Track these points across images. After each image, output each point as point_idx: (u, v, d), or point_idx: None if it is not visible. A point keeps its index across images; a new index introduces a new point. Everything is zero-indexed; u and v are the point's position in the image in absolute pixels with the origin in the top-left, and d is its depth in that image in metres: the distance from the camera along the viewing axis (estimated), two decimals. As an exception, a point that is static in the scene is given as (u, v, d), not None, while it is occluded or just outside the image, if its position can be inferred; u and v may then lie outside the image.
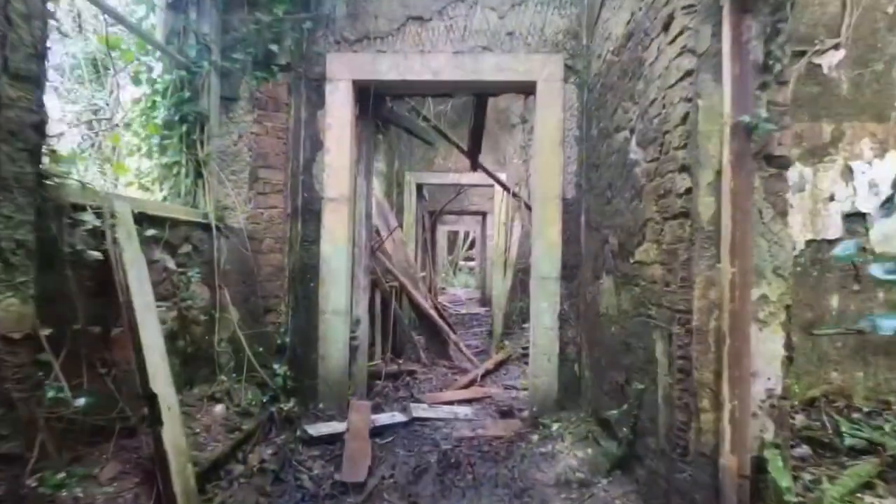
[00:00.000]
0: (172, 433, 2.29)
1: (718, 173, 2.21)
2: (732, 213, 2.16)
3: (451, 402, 4.69)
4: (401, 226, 9.05)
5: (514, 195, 8.05)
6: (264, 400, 3.53)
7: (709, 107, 2.23)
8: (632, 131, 2.96)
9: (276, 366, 3.71)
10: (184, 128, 3.42)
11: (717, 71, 2.22)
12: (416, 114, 6.79)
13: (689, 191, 2.28)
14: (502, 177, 8.34)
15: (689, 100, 2.28)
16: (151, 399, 2.25)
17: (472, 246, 22.88)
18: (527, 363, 6.75)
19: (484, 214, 14.40)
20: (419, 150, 9.39)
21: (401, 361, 6.58)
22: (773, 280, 2.29)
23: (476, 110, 5.04)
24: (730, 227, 2.16)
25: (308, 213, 4.09)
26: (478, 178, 9.23)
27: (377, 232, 7.17)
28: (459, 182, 9.45)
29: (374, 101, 4.39)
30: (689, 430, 2.23)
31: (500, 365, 6.45)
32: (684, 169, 2.30)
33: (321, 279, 4.06)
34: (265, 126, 3.80)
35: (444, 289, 18.98)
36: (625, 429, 2.78)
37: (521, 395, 5.07)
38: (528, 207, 8.29)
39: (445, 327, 6.59)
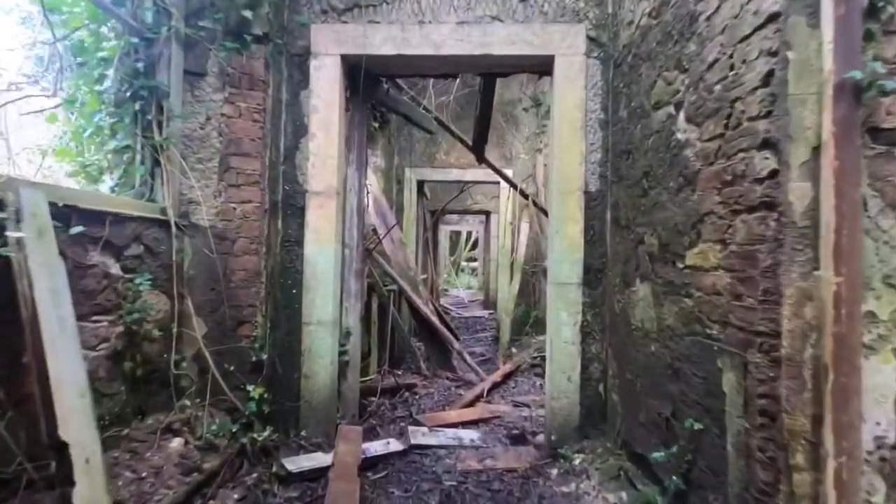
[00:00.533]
0: (90, 493, 1.74)
1: (816, 150, 1.65)
2: (836, 204, 1.60)
3: (454, 425, 4.13)
4: (400, 226, 8.52)
5: (522, 193, 7.50)
6: (234, 429, 2.98)
7: (803, 60, 1.67)
8: (678, 106, 2.40)
9: (249, 388, 3.16)
10: (137, 106, 2.86)
11: (813, 13, 1.67)
12: (417, 104, 6.27)
13: (773, 174, 1.72)
14: (509, 173, 7.79)
15: (774, 53, 1.72)
16: (60, 450, 1.70)
17: (474, 246, 22.33)
18: (538, 374, 6.19)
19: (487, 214, 13.85)
20: (420, 144, 8.84)
21: (399, 373, 6.03)
22: (884, 292, 1.73)
23: (483, 95, 4.49)
24: (833, 221, 1.60)
25: (290, 208, 3.54)
26: (482, 174, 8.68)
27: (374, 231, 6.64)
28: (463, 179, 8.90)
29: (368, 81, 3.83)
30: (777, 495, 1.67)
31: (508, 377, 5.89)
32: (767, 145, 1.74)
33: (305, 285, 3.51)
34: (238, 107, 3.25)
35: (446, 290, 18.49)
36: (674, 476, 2.22)
37: (535, 414, 4.51)
38: (537, 206, 7.74)
39: (448, 335, 6.03)
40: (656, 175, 2.64)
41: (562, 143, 3.50)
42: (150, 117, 2.91)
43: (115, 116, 2.88)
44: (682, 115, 2.36)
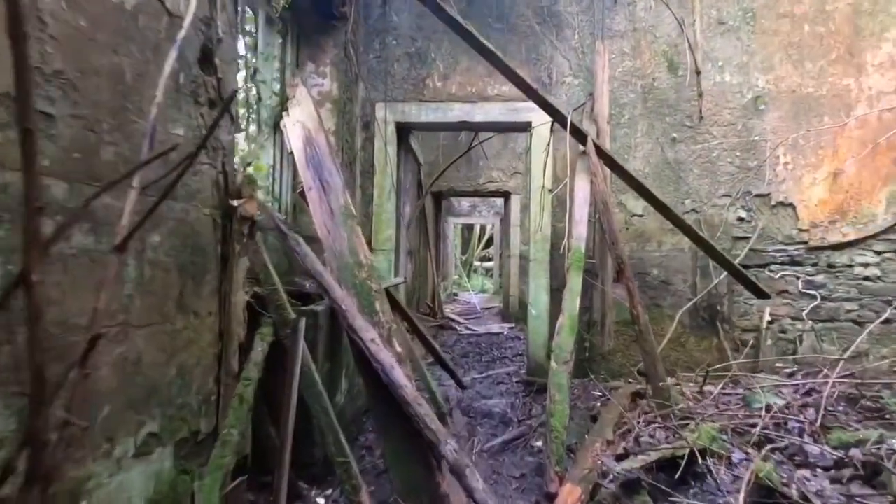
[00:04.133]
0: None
1: None
2: None
3: None
4: (371, 199, 5.10)
5: (575, 130, 3.98)
6: None
7: None
8: None
9: None
10: None
11: None
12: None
13: None
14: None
15: None
16: None
17: (488, 244, 18.75)
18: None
19: (506, 196, 10.34)
20: (402, 64, 5.31)
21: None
22: None
23: None
24: None
25: None
26: (501, 109, 5.15)
27: (300, 194, 3.26)
28: (471, 119, 5.30)
29: None
30: None
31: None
32: None
33: None
34: None
35: (455, 294, 15.08)
36: None
37: None
38: (603, 155, 4.22)
39: (434, 422, 2.49)
40: None
41: None
42: None
43: None
44: None
